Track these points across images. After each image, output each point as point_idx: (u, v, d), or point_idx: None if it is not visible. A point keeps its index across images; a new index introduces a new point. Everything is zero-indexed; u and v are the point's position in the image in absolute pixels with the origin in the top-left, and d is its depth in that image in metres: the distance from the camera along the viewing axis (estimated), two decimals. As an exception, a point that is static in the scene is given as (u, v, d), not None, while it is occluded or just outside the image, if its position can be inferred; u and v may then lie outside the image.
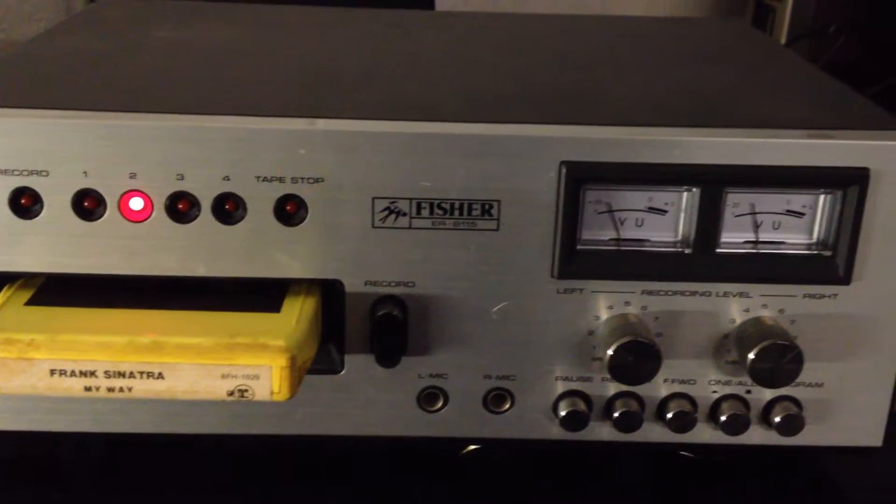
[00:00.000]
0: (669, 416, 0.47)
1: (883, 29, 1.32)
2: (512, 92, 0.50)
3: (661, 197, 0.45)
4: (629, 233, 0.46)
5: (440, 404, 0.48)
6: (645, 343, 0.44)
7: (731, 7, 1.54)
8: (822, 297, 0.46)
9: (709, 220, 0.45)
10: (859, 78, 1.27)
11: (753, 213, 0.45)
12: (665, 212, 0.45)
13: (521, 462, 0.53)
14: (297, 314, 0.43)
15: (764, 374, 0.45)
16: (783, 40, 1.40)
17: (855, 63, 1.33)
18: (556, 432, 0.48)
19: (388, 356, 0.45)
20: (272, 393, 0.41)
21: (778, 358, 0.44)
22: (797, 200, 0.45)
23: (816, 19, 1.36)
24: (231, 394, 0.41)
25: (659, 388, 0.48)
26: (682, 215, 0.45)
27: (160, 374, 0.41)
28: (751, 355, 0.44)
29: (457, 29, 0.67)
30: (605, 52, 0.61)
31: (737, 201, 0.45)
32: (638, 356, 0.44)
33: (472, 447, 0.52)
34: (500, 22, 0.70)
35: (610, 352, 0.44)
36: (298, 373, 0.42)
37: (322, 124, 0.43)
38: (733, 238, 0.45)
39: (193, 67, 0.53)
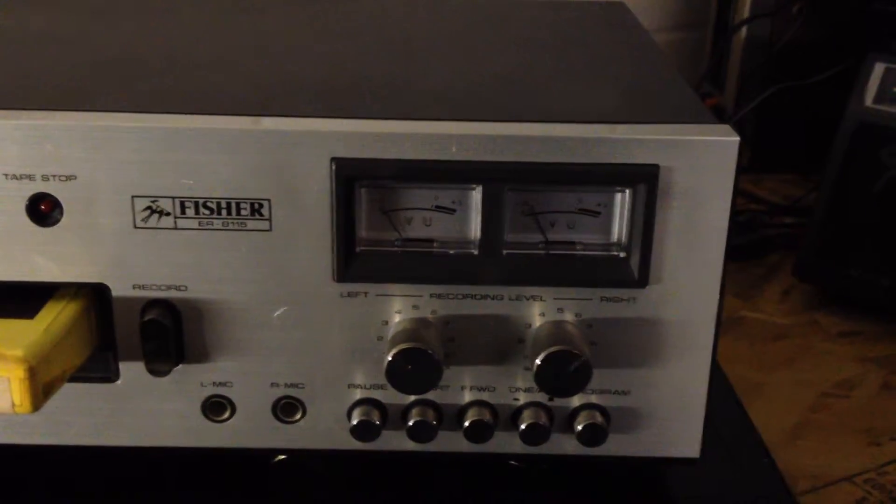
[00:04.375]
0: (466, 424, 0.45)
1: (845, 10, 1.30)
2: (308, 82, 0.48)
3: (448, 195, 0.43)
4: (417, 233, 0.43)
5: (227, 414, 0.45)
6: (422, 350, 0.42)
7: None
8: (620, 300, 0.43)
9: (492, 220, 0.42)
10: (820, 59, 1.24)
11: (546, 213, 0.43)
12: (453, 211, 0.43)
13: (338, 471, 0.50)
14: (48, 322, 0.41)
15: (549, 383, 0.42)
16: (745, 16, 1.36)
17: (816, 44, 1.31)
18: (353, 442, 0.46)
19: (157, 364, 0.43)
20: (13, 405, 0.39)
21: (563, 365, 0.42)
22: (590, 199, 0.43)
23: (779, -1, 1.34)
24: (-31, 405, 0.39)
25: (459, 395, 0.45)
26: (472, 215, 0.43)
27: None
28: (536, 362, 0.42)
29: (318, 11, 0.64)
30: (448, 40, 0.59)
31: (526, 200, 0.42)
32: (417, 364, 0.42)
33: (283, 456, 0.50)
34: (370, 4, 0.67)
35: (388, 358, 0.42)
36: (45, 385, 0.40)
37: (70, 118, 0.40)
38: (525, 238, 0.43)
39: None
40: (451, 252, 0.43)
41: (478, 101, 0.46)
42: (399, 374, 0.42)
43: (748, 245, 1.18)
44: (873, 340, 1.04)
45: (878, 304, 1.05)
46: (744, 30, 1.37)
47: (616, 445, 0.46)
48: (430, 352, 0.42)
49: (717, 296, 0.43)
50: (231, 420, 0.45)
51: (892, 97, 1.05)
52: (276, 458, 0.49)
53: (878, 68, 1.07)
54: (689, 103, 0.46)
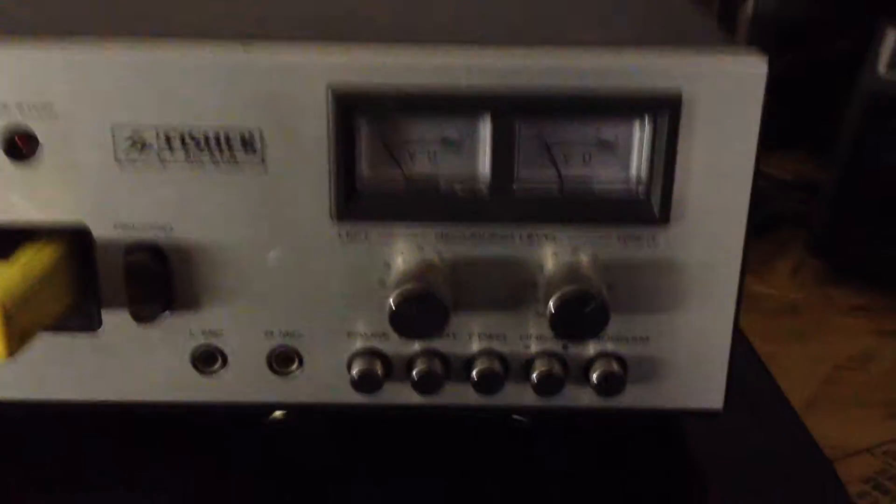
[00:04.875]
0: (474, 375, 0.42)
1: None
2: (303, 14, 0.44)
3: (454, 128, 0.40)
4: (422, 169, 0.40)
5: (218, 366, 0.43)
6: (428, 292, 0.39)
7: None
8: (639, 239, 0.40)
9: (503, 154, 0.39)
10: (828, 32, 1.21)
11: (559, 145, 0.40)
12: (461, 145, 0.40)
13: (336, 428, 0.48)
14: (24, 263, 0.38)
15: (564, 327, 0.39)
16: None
17: (824, 17, 1.28)
18: (354, 396, 0.43)
19: (143, 310, 0.40)
20: (-14, 351, 0.36)
21: (579, 307, 0.39)
22: (608, 131, 0.40)
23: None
24: (-61, 352, 0.36)
25: (467, 344, 0.42)
26: (480, 148, 0.40)
27: None
28: (549, 305, 0.39)
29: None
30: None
31: (538, 132, 0.39)
32: (422, 307, 0.39)
33: (279, 413, 0.47)
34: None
35: (391, 301, 0.39)
36: (22, 330, 0.37)
37: (49, 45, 0.37)
38: (537, 175, 0.40)
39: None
40: (459, 189, 0.40)
41: (486, 30, 0.43)
42: (403, 317, 0.39)
43: (757, 220, 1.15)
44: (888, 314, 1.02)
45: (894, 278, 1.03)
46: (750, 2, 1.35)
47: (634, 397, 0.43)
48: (435, 293, 0.39)
49: (744, 234, 0.40)
50: (223, 372, 0.42)
51: (906, 64, 1.03)
52: (272, 416, 0.47)
53: (891, 35, 1.04)
54: (711, 31, 0.43)
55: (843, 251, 1.07)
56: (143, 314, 0.40)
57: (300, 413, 0.46)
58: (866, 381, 0.92)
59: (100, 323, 0.41)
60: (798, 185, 1.23)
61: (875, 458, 0.80)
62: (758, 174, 0.39)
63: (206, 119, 0.38)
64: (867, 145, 1.03)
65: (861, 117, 1.04)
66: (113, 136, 0.38)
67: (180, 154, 0.39)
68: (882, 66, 1.05)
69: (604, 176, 0.40)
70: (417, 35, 0.41)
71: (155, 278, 0.40)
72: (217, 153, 0.39)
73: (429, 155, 0.40)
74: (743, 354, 0.52)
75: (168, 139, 0.38)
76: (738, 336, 0.43)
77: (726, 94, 0.38)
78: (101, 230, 0.40)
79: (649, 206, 0.40)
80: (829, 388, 0.90)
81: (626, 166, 0.40)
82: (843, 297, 1.07)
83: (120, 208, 0.39)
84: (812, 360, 0.95)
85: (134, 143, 0.38)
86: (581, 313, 0.39)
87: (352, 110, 0.38)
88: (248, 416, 0.45)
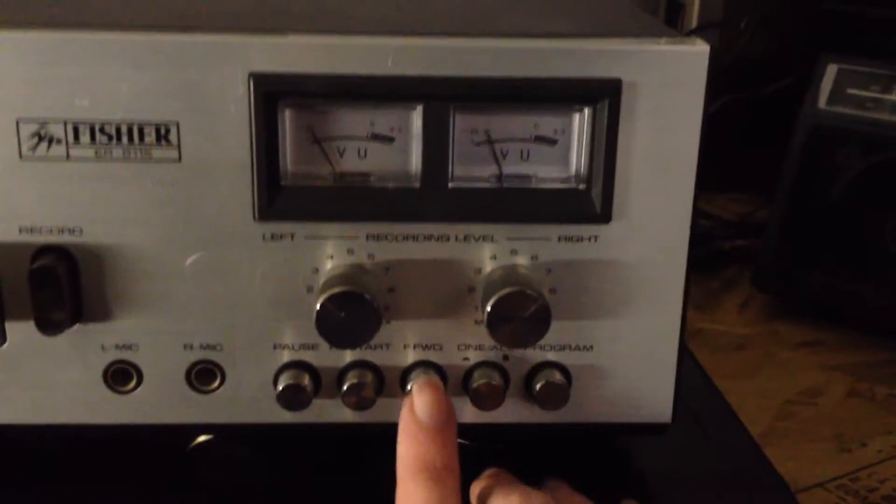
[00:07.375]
0: (409, 388, 0.39)
1: (797, 22, 1.28)
2: (229, 9, 0.42)
3: (385, 121, 0.37)
4: (351, 166, 0.38)
5: (133, 383, 0.39)
6: (357, 294, 0.36)
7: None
8: (581, 239, 0.38)
9: (436, 145, 0.37)
10: (770, 72, 1.22)
11: (497, 142, 0.38)
12: (391, 139, 0.38)
13: (268, 454, 0.44)
14: (-85, 265, 0.35)
15: (503, 331, 0.37)
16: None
17: (764, 57, 1.29)
18: (281, 414, 0.40)
19: (50, 319, 0.37)
20: None
21: (518, 310, 0.36)
22: (547, 124, 0.38)
23: (727, 12, 1.32)
24: None
25: (401, 355, 0.40)
26: (413, 143, 0.38)
27: None
28: (487, 307, 0.37)
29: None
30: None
31: (474, 126, 0.37)
32: (351, 310, 0.36)
33: (203, 438, 0.44)
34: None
35: (317, 304, 0.36)
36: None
37: (-58, 28, 0.35)
38: (474, 171, 0.38)
39: None
40: (391, 186, 0.38)
41: (419, 24, 0.41)
42: (331, 322, 0.36)
43: (703, 258, 1.15)
44: (835, 349, 1.01)
45: (841, 311, 1.02)
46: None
47: (577, 411, 0.40)
48: (366, 296, 0.36)
49: (688, 231, 0.38)
50: (138, 390, 0.39)
51: (847, 99, 1.03)
52: (195, 442, 0.44)
53: (831, 70, 1.04)
54: (652, 25, 0.41)
55: (788, 286, 1.06)
56: (50, 323, 0.37)
57: (225, 437, 0.43)
58: (816, 416, 0.90)
59: (3, 337, 0.38)
60: (744, 225, 1.23)
61: (829, 493, 0.78)
62: (701, 167, 0.38)
63: (118, 111, 0.36)
64: (810, 179, 1.03)
65: (802, 151, 1.04)
66: (17, 130, 0.35)
67: (89, 148, 0.36)
68: (822, 101, 1.05)
69: (543, 172, 0.38)
70: (346, 26, 0.39)
71: (62, 283, 0.37)
72: (130, 147, 0.36)
73: (358, 151, 0.38)
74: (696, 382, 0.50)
75: (77, 133, 0.36)
76: (685, 346, 0.41)
77: (667, 80, 0.37)
78: (4, 234, 0.37)
79: (590, 202, 0.38)
80: (780, 424, 0.89)
81: (566, 162, 0.38)
82: (790, 332, 1.06)
83: (25, 210, 0.37)
84: (762, 396, 0.94)
85: (40, 139, 0.36)
86: (521, 316, 0.36)
87: (275, 99, 0.36)
88: (168, 440, 0.42)
